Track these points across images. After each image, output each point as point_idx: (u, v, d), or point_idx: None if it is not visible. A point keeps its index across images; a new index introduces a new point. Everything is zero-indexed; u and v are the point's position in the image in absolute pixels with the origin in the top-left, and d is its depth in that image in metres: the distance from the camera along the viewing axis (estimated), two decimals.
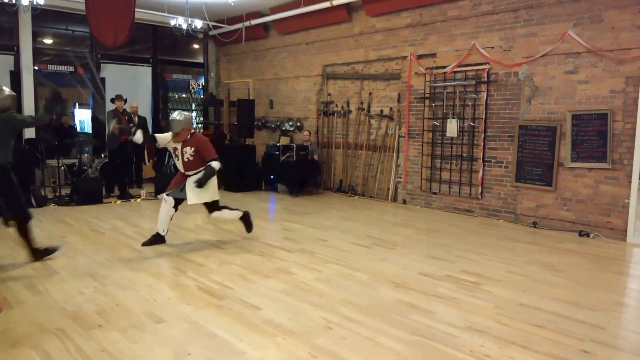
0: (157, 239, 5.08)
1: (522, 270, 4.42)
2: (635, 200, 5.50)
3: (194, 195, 4.88)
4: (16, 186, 4.18)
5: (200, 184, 4.78)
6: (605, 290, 3.95)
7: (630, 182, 5.52)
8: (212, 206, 5.13)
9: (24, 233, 4.31)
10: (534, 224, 6.29)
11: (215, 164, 4.93)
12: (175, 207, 5.01)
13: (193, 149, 4.93)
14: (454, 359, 2.74)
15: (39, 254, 4.41)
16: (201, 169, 4.94)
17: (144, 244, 5.05)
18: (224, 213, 5.23)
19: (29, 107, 9.13)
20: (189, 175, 4.97)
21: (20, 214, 4.20)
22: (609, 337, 3.07)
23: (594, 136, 5.76)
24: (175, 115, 4.99)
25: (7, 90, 4.37)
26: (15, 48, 9.04)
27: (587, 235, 5.76)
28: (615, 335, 3.13)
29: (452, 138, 7.20)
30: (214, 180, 4.98)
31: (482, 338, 2.99)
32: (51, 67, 9.96)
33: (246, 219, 5.43)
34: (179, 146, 4.98)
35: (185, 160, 4.97)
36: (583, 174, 5.91)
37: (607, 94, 5.67)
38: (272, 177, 9.12)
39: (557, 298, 3.72)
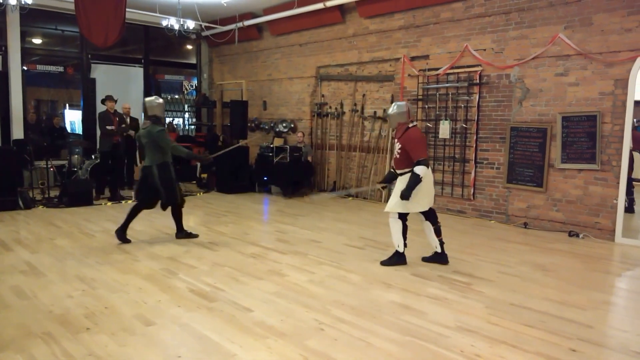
0: (395, 256, 4.51)
1: (513, 271, 4.45)
2: (624, 201, 5.56)
3: (390, 202, 4.39)
4: (173, 179, 5.18)
5: (403, 196, 4.19)
6: (594, 290, 3.99)
7: (618, 183, 5.58)
8: (427, 214, 4.48)
9: (176, 215, 5.41)
10: (525, 225, 6.33)
11: (419, 170, 4.18)
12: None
13: (400, 145, 4.34)
14: (445, 359, 2.74)
15: (184, 234, 5.45)
16: (407, 170, 4.32)
17: (383, 263, 4.52)
18: (426, 229, 4.52)
19: (17, 107, 9.03)
20: (400, 175, 4.41)
21: (174, 201, 5.24)
22: (597, 336, 3.10)
23: (583, 138, 5.82)
24: (389, 109, 4.49)
25: (159, 98, 5.37)
26: (3, 48, 8.94)
27: (577, 235, 5.82)
28: (603, 334, 3.16)
29: (444, 140, 7.24)
30: (421, 188, 4.26)
31: (472, 338, 3.00)
32: (40, 68, 9.86)
33: (438, 255, 4.59)
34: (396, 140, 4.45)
35: (395, 155, 4.44)
36: (573, 175, 5.96)
37: (596, 96, 5.73)
38: (265, 178, 9.10)
39: (546, 298, 3.74)
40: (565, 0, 5.92)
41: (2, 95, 8.95)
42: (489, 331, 3.11)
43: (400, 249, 4.53)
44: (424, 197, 4.36)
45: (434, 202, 4.55)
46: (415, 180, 4.21)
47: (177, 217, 5.43)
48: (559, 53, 6.00)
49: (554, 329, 3.17)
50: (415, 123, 4.47)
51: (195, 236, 5.48)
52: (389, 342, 2.93)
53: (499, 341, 2.97)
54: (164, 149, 5.11)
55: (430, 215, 4.52)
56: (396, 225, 4.49)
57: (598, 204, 5.74)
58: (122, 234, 5.20)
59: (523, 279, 4.23)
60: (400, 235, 4.49)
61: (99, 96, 8.46)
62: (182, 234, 5.46)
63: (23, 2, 7.36)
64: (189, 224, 6.36)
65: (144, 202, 5.24)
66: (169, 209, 5.36)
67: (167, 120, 12.09)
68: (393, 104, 4.57)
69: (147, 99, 5.36)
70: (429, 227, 4.54)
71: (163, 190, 5.10)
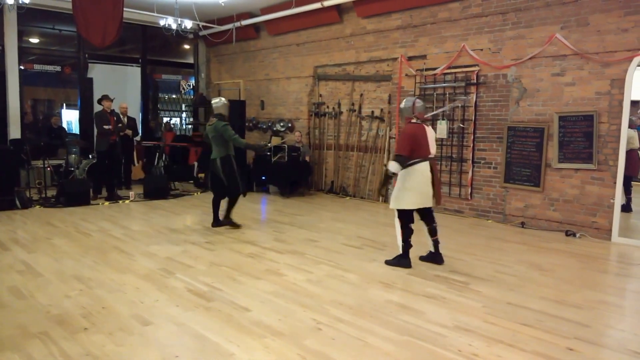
0: (397, 257, 4.47)
1: (511, 270, 4.46)
2: (620, 200, 5.58)
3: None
4: (235, 170, 5.71)
5: (378, 191, 4.12)
6: (591, 289, 4.00)
7: (615, 182, 5.60)
8: (422, 214, 4.46)
9: (231, 205, 5.88)
10: (522, 224, 6.35)
11: (391, 165, 4.19)
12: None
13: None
14: (443, 358, 2.75)
15: (228, 222, 5.86)
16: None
17: (387, 262, 4.48)
18: (397, 226, 4.43)
19: (14, 107, 9.00)
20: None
21: (236, 192, 5.76)
22: (593, 335, 3.11)
23: (580, 137, 5.84)
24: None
25: (223, 99, 5.96)
26: (0, 47, 8.91)
27: (574, 235, 5.84)
28: (600, 333, 3.18)
29: (441, 139, 7.24)
30: (404, 185, 4.26)
31: (470, 337, 3.01)
32: (37, 67, 9.83)
33: (432, 254, 4.55)
34: None
35: None
36: (570, 174, 5.98)
37: (593, 96, 5.75)
38: (263, 178, 9.10)
39: (544, 297, 3.76)
40: (562, 0, 5.94)
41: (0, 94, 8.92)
42: (486, 330, 3.11)
43: (401, 251, 4.46)
44: (414, 196, 4.29)
45: (432, 203, 4.39)
46: (385, 177, 4.24)
47: (229, 206, 5.88)
48: (555, 53, 6.02)
49: (551, 328, 3.18)
50: (416, 120, 4.35)
51: (238, 226, 5.91)
52: (386, 341, 2.93)
53: (497, 340, 2.98)
54: (227, 144, 5.66)
55: (425, 215, 4.50)
56: (397, 225, 4.46)
57: (595, 203, 5.77)
58: (224, 220, 5.84)
59: (520, 278, 4.24)
60: (400, 235, 4.43)
61: (96, 96, 8.42)
62: (227, 220, 5.87)
63: (20, 2, 7.33)
64: (186, 223, 6.37)
65: (217, 194, 5.87)
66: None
67: (164, 119, 12.10)
68: (405, 98, 4.53)
69: (213, 100, 5.99)
70: (423, 226, 4.54)
71: (226, 181, 5.70)
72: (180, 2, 8.60)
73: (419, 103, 4.37)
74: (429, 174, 4.28)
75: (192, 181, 9.89)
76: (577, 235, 5.82)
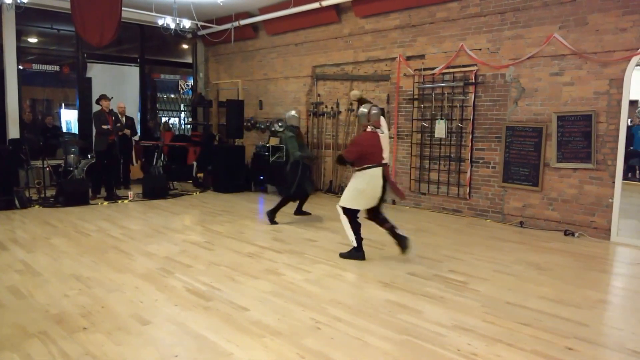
0: (351, 250, 4.69)
1: (509, 269, 4.47)
2: (619, 200, 5.59)
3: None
4: (297, 176, 6.23)
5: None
6: (590, 288, 4.01)
7: (614, 182, 5.61)
8: (370, 214, 4.69)
9: (281, 204, 6.35)
10: (521, 224, 6.36)
11: (337, 159, 4.73)
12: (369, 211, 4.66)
13: None
14: (442, 357, 2.75)
15: (272, 215, 6.29)
16: (357, 168, 4.60)
17: (341, 255, 4.72)
18: (344, 222, 4.66)
19: (12, 107, 8.98)
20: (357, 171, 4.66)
21: (288, 194, 6.37)
22: (592, 334, 3.12)
23: (578, 137, 5.85)
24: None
25: (293, 112, 6.68)
26: None
27: (572, 234, 5.85)
28: (598, 332, 3.19)
29: (440, 139, 7.26)
30: (352, 185, 4.56)
31: (469, 337, 3.01)
32: (36, 67, 9.81)
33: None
34: None
35: None
36: (568, 174, 5.99)
37: (591, 96, 5.76)
38: (261, 178, 9.09)
39: (542, 296, 3.76)
40: (560, 0, 5.95)
41: None
42: (485, 330, 3.12)
43: (354, 244, 4.64)
44: (363, 199, 4.55)
45: (377, 204, 4.58)
46: (340, 161, 4.66)
47: (280, 205, 6.36)
48: (554, 53, 6.03)
49: (549, 327, 3.18)
50: (371, 128, 4.62)
51: (275, 223, 6.29)
52: (385, 340, 2.94)
53: (495, 340, 2.98)
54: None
55: (374, 216, 4.70)
56: (343, 220, 4.65)
57: (593, 203, 5.78)
58: (269, 214, 6.32)
59: (519, 277, 4.25)
60: (350, 230, 4.63)
61: (95, 95, 8.41)
62: (271, 215, 6.33)
63: (19, 1, 7.31)
64: (184, 223, 6.36)
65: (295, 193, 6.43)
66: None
67: (163, 119, 12.09)
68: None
69: (287, 113, 6.71)
70: (373, 221, 4.76)
71: (288, 182, 6.32)
72: (178, 1, 8.59)
73: (375, 110, 4.63)
74: (380, 180, 4.50)
75: (190, 181, 9.88)
76: (576, 234, 5.83)
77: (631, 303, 3.80)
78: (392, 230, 4.65)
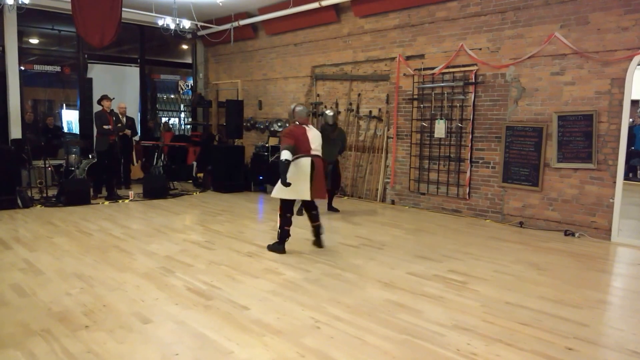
0: (275, 243, 4.89)
1: (509, 270, 4.48)
2: (620, 200, 5.59)
3: None
4: (328, 176, 6.37)
5: (282, 181, 4.58)
6: (590, 289, 4.01)
7: (614, 182, 5.61)
8: (305, 205, 4.97)
9: (330, 198, 6.95)
10: (521, 224, 6.36)
11: (282, 154, 4.58)
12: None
13: None
14: (441, 357, 2.76)
15: (299, 211, 6.21)
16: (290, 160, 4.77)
17: (268, 247, 4.90)
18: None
19: (14, 107, 9.00)
20: None
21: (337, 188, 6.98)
22: (592, 334, 3.12)
23: (579, 137, 5.85)
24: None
25: (330, 111, 7.16)
26: (1, 48, 8.92)
27: (573, 234, 5.85)
28: (598, 333, 3.19)
29: (440, 139, 7.26)
30: (293, 179, 4.62)
31: (468, 336, 3.02)
32: (37, 67, 9.84)
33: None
34: None
35: None
36: (569, 174, 5.99)
37: (592, 95, 5.76)
38: (260, 178, 9.10)
39: (542, 296, 3.77)
40: None
41: (0, 95, 8.93)
42: (484, 330, 3.13)
43: (277, 238, 4.81)
44: (291, 188, 4.59)
45: (309, 197, 4.63)
46: (280, 165, 4.56)
47: (329, 200, 7.05)
48: (555, 52, 6.03)
49: (549, 327, 3.19)
50: (298, 123, 4.87)
51: (337, 211, 7.04)
52: (384, 340, 2.94)
53: (495, 339, 2.99)
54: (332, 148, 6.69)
55: (307, 206, 4.91)
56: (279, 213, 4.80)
57: (594, 203, 5.78)
58: (331, 208, 7.00)
59: (518, 277, 4.25)
60: (279, 224, 4.76)
61: (96, 96, 8.44)
62: (332, 209, 7.05)
63: (20, 2, 7.33)
64: (185, 223, 6.38)
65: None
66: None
67: (163, 120, 12.11)
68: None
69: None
70: (306, 214, 4.98)
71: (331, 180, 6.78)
72: (178, 2, 8.61)
73: (299, 108, 4.93)
74: (308, 170, 4.65)
75: (190, 181, 9.89)
76: (576, 235, 5.83)
77: (631, 303, 3.80)
78: (316, 230, 4.98)
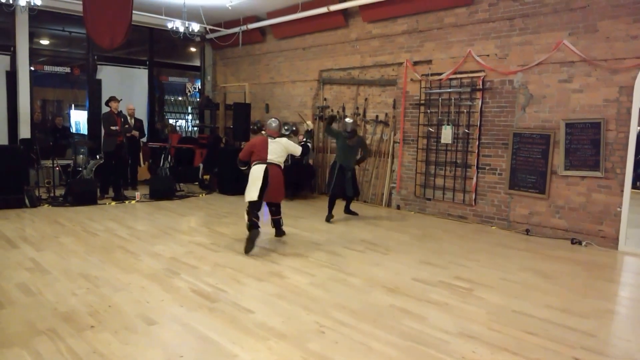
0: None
1: (515, 277, 4.45)
2: (628, 208, 5.54)
3: None
4: (333, 175, 6.84)
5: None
6: (597, 298, 3.98)
7: (622, 190, 5.57)
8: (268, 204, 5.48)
9: (329, 202, 6.87)
10: (527, 231, 6.32)
11: (238, 163, 5.56)
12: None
13: None
14: None
15: (328, 216, 6.76)
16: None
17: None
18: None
19: (24, 107, 9.10)
20: None
21: (328, 194, 6.95)
22: (599, 345, 3.09)
23: (587, 145, 5.81)
24: None
25: (349, 118, 7.19)
26: (12, 48, 9.02)
27: (580, 243, 5.80)
28: (605, 343, 3.16)
29: (446, 145, 7.25)
30: (250, 180, 5.18)
31: (474, 344, 3.00)
32: (47, 68, 9.94)
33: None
34: None
35: None
36: (576, 182, 5.96)
37: (600, 103, 5.73)
38: None
39: (548, 305, 3.74)
40: (570, 6, 5.93)
41: (10, 95, 9.03)
42: (490, 337, 3.10)
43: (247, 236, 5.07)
44: (247, 191, 5.15)
45: (257, 198, 5.04)
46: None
47: (347, 203, 7.35)
48: (563, 59, 6.01)
49: (556, 336, 3.16)
50: (264, 133, 5.43)
51: (356, 214, 7.24)
52: (389, 346, 2.93)
53: (501, 348, 2.96)
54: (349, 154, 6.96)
55: (270, 206, 5.50)
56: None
57: (601, 211, 5.73)
58: (349, 212, 7.23)
59: (525, 285, 4.22)
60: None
61: (105, 97, 8.50)
62: (350, 213, 7.27)
63: (32, 4, 7.42)
64: (190, 225, 6.39)
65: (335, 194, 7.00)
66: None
67: (170, 121, 12.18)
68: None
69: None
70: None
71: (328, 181, 7.20)
72: (188, 5, 8.68)
73: (270, 120, 5.49)
74: (260, 175, 5.10)
75: (197, 183, 9.93)
76: (583, 243, 5.78)
77: (639, 313, 3.76)
78: (276, 222, 5.66)
